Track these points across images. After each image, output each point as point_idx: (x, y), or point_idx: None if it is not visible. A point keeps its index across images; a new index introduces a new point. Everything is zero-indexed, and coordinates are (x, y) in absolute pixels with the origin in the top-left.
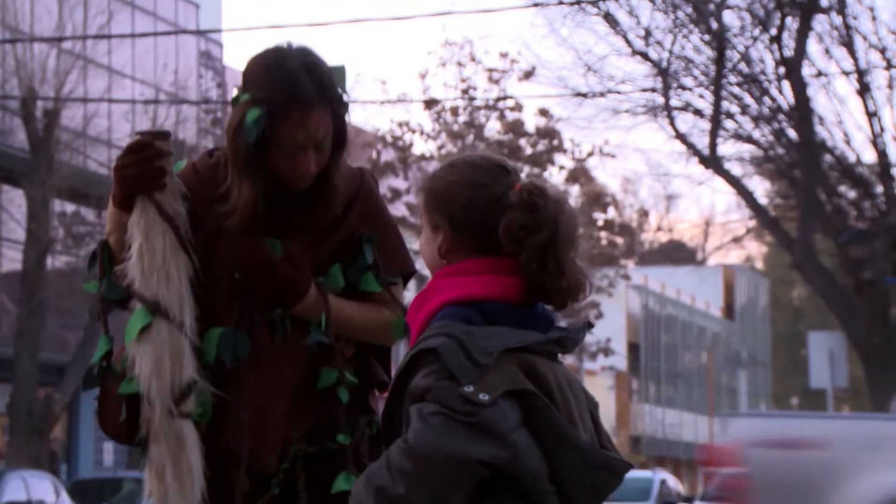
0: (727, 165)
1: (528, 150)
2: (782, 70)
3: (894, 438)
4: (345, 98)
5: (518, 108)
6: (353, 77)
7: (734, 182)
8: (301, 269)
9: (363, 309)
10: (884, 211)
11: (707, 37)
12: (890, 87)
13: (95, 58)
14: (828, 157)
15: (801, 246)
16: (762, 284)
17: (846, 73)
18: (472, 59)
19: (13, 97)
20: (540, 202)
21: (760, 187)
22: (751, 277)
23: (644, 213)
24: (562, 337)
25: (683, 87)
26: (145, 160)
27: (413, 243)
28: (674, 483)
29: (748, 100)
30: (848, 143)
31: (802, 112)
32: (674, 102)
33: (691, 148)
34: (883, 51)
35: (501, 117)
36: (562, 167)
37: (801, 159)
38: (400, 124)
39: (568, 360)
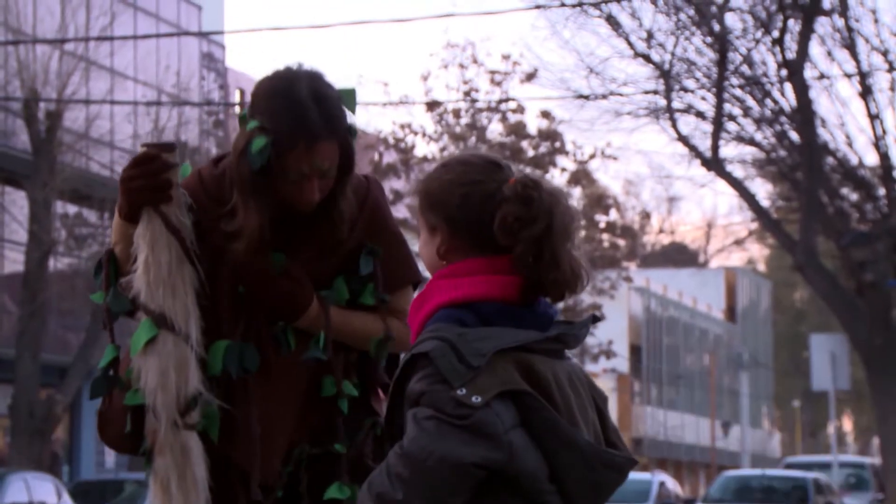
0: (729, 168)
1: (530, 153)
2: (784, 72)
3: None
4: (353, 125)
5: (520, 110)
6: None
7: (736, 184)
8: (301, 283)
9: (367, 319)
10: (886, 213)
11: (709, 39)
12: (892, 89)
13: (98, 59)
14: (830, 160)
15: (803, 248)
16: (764, 287)
17: (848, 76)
18: (475, 61)
19: (15, 99)
20: (534, 194)
21: (762, 189)
22: (753, 280)
23: (646, 216)
24: (561, 334)
25: (685, 90)
26: (151, 172)
27: (415, 245)
28: (673, 485)
29: (750, 102)
30: (850, 145)
31: (804, 114)
32: (676, 105)
33: (693, 150)
34: (885, 53)
35: (503, 119)
36: (564, 169)
37: (803, 161)
38: (402, 126)
39: None
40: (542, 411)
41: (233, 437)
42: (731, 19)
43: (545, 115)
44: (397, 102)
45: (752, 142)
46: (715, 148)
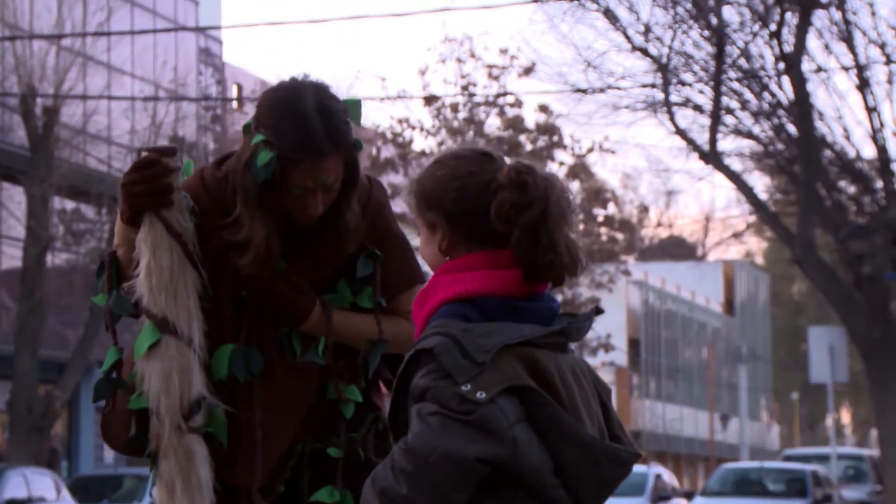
0: (727, 161)
1: (528, 147)
2: (782, 65)
3: None
4: (359, 139)
5: (518, 104)
6: (353, 74)
7: (734, 177)
8: (302, 289)
9: (370, 322)
10: (883, 206)
11: (707, 32)
12: (889, 82)
13: (95, 55)
14: (827, 153)
15: (801, 241)
16: (762, 280)
17: (846, 69)
18: (472, 55)
19: (12, 94)
20: (529, 179)
21: (760, 183)
22: (751, 273)
23: (644, 209)
24: (565, 328)
25: (683, 83)
26: (152, 177)
27: (415, 240)
28: (669, 477)
29: (748, 95)
30: (847, 138)
31: (802, 107)
32: (674, 98)
33: (691, 143)
34: (882, 46)
35: (501, 114)
36: (562, 163)
37: (800, 155)
38: (400, 121)
39: None
40: (546, 407)
41: (237, 441)
42: (728, 13)
43: (543, 109)
44: (395, 97)
45: (749, 135)
46: (713, 141)
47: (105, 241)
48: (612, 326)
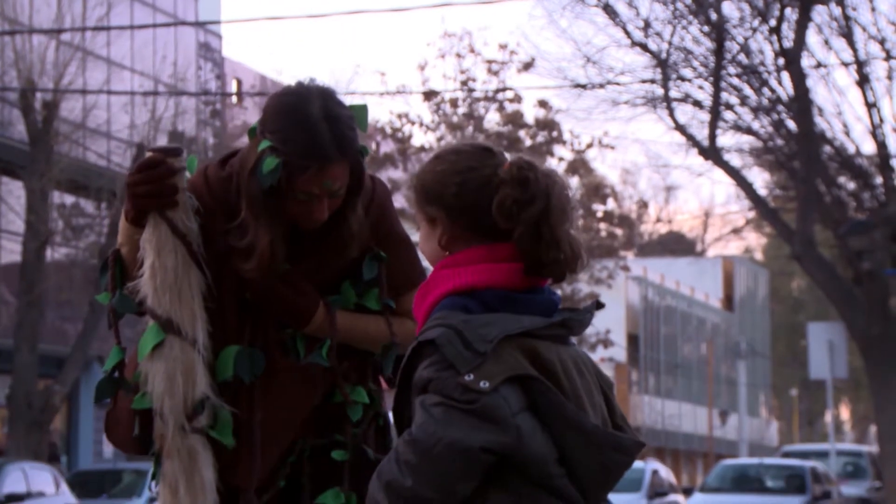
0: (726, 157)
1: (528, 142)
2: (781, 61)
3: None
4: (365, 145)
5: (517, 99)
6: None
7: (733, 173)
8: (304, 292)
9: (379, 323)
10: (883, 202)
11: (706, 28)
12: (889, 77)
13: (94, 49)
14: (827, 149)
15: (801, 237)
16: (761, 275)
17: (845, 64)
18: (472, 50)
19: (12, 89)
20: (530, 175)
21: (760, 178)
22: (750, 268)
23: (643, 205)
24: (566, 319)
25: (683, 79)
26: (157, 178)
27: (415, 235)
28: (665, 473)
29: (747, 91)
30: (847, 134)
31: (802, 103)
32: (673, 94)
33: (691, 139)
34: (882, 42)
35: (501, 109)
36: (561, 158)
37: (800, 150)
38: (399, 116)
39: None
40: (549, 395)
41: (239, 442)
42: (728, 8)
43: (542, 104)
44: (394, 92)
45: (749, 131)
46: (712, 137)
47: (104, 235)
48: (611, 322)
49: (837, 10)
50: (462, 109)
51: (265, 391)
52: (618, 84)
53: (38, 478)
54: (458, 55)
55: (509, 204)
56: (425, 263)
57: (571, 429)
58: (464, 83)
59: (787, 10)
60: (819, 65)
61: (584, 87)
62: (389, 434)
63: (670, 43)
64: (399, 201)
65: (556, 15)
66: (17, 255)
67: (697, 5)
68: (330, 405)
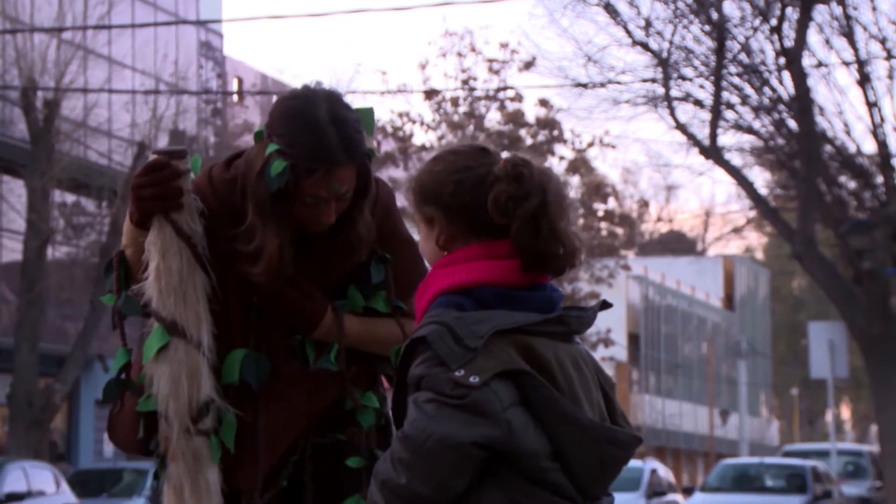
0: (727, 156)
1: (529, 141)
2: (782, 60)
3: None
4: (371, 148)
5: (518, 98)
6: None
7: (734, 172)
8: (312, 296)
9: (390, 326)
10: (884, 201)
11: (707, 27)
12: (890, 77)
13: (96, 48)
14: (828, 148)
15: (802, 236)
16: (762, 275)
17: (846, 64)
18: (473, 49)
19: (13, 87)
20: (525, 171)
21: (760, 178)
22: (751, 268)
23: (644, 204)
24: (563, 315)
25: (684, 78)
26: (162, 180)
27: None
28: (664, 472)
29: (748, 90)
30: (848, 133)
31: (803, 102)
32: (674, 93)
33: (691, 138)
34: (883, 41)
35: (502, 108)
36: (562, 158)
37: (801, 150)
38: (400, 115)
39: None
40: (541, 389)
41: (241, 445)
42: (729, 7)
43: (543, 103)
44: (395, 91)
45: (750, 130)
46: (713, 136)
47: (105, 234)
48: (611, 321)
49: (838, 10)
50: (463, 108)
51: (269, 396)
52: (619, 83)
53: (39, 477)
54: (459, 54)
55: (504, 199)
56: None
57: (565, 423)
58: (465, 82)
59: (788, 10)
60: (820, 64)
61: (584, 86)
62: (390, 433)
63: (671, 42)
64: (400, 201)
65: (557, 14)
66: (18, 254)
67: (698, 4)
68: (337, 408)
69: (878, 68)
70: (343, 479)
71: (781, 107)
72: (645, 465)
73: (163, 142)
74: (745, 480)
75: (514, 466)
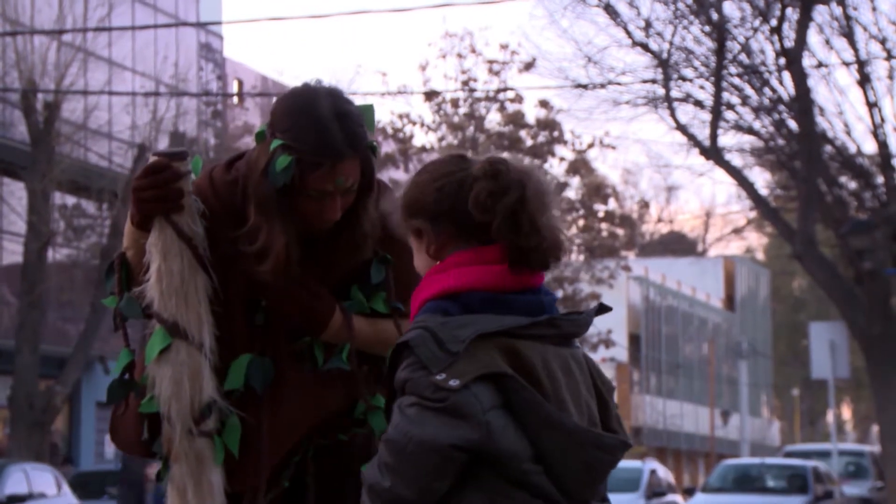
0: (728, 156)
1: (529, 142)
2: (783, 61)
3: None
4: (374, 142)
5: (518, 99)
6: (354, 69)
7: (735, 173)
8: (321, 295)
9: (391, 326)
10: (884, 202)
11: (707, 28)
12: (890, 77)
13: (96, 50)
14: (828, 148)
15: (802, 237)
16: (763, 275)
17: (846, 64)
18: (473, 50)
19: (14, 90)
20: (501, 168)
21: (761, 178)
22: (751, 268)
23: (645, 205)
24: (553, 318)
25: (684, 79)
26: (162, 182)
27: None
28: (664, 473)
29: (749, 91)
30: (848, 133)
31: (803, 103)
32: (674, 93)
33: (692, 139)
34: (883, 41)
35: (502, 109)
36: (562, 158)
37: (801, 150)
38: (400, 116)
39: None
40: (522, 392)
41: (243, 447)
42: (729, 8)
43: (543, 104)
44: (396, 92)
45: (750, 130)
46: (713, 137)
47: (106, 236)
48: (612, 322)
49: (838, 10)
50: (463, 109)
51: (273, 400)
52: (619, 84)
53: (40, 479)
54: (460, 55)
55: (484, 196)
56: None
57: (548, 427)
58: (465, 83)
59: (789, 10)
60: (820, 64)
61: (585, 87)
62: None
63: (671, 43)
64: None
65: (557, 15)
66: (19, 256)
67: (698, 5)
68: (346, 420)
69: (879, 68)
70: (345, 480)
71: (782, 107)
72: (644, 466)
73: (163, 144)
74: (746, 481)
75: (494, 468)
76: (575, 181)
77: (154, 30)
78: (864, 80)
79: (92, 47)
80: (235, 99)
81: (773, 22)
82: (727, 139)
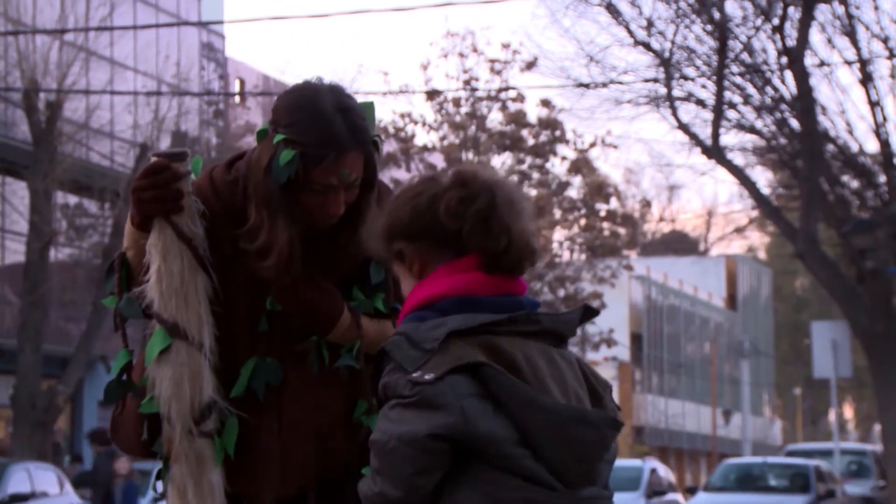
0: (730, 155)
1: (531, 141)
2: (785, 60)
3: None
4: (377, 137)
5: (520, 98)
6: (356, 68)
7: (737, 172)
8: (329, 293)
9: (391, 327)
10: (886, 200)
11: (709, 27)
12: (892, 76)
13: (98, 50)
14: (830, 147)
15: (804, 236)
16: (765, 274)
17: (848, 63)
18: (474, 49)
19: (16, 89)
20: (469, 176)
21: (763, 177)
22: (753, 267)
23: (646, 204)
24: (531, 313)
25: (686, 78)
26: (162, 183)
27: None
28: (664, 472)
29: (751, 90)
30: (850, 132)
31: (805, 102)
32: (676, 93)
33: (694, 138)
34: (885, 40)
35: (503, 108)
36: (564, 158)
37: (803, 149)
38: (402, 115)
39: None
40: (499, 378)
41: (243, 449)
42: (731, 7)
43: (545, 103)
44: (397, 92)
45: (752, 130)
46: (715, 136)
47: (108, 235)
48: (614, 321)
49: (840, 9)
50: (465, 109)
51: (277, 401)
52: (621, 83)
53: (43, 478)
54: (461, 55)
55: (455, 203)
56: None
57: (529, 407)
58: (466, 82)
59: (791, 9)
60: (822, 63)
61: (587, 86)
62: None
63: (673, 42)
64: None
65: (559, 14)
66: (21, 256)
67: (700, 4)
68: (351, 423)
69: (881, 67)
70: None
71: (784, 106)
72: (644, 465)
73: (165, 143)
74: (748, 480)
75: (478, 456)
76: (577, 180)
77: (156, 29)
78: (867, 79)
79: (94, 47)
80: (237, 98)
81: (776, 21)
82: (729, 138)
